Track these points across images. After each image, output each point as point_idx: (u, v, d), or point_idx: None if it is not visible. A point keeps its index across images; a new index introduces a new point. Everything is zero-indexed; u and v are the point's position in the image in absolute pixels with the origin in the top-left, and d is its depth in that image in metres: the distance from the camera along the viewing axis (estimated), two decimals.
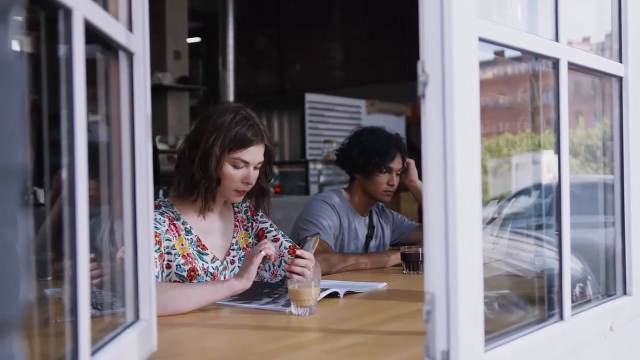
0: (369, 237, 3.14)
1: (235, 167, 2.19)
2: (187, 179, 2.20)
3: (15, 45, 0.60)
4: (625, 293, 1.81)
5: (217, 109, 2.24)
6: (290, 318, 1.84)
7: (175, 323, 1.80)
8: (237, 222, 2.38)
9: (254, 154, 2.21)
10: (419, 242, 2.97)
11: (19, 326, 0.61)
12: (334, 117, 8.28)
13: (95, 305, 1.36)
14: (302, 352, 1.55)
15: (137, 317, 1.36)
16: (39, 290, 1.61)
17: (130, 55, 1.34)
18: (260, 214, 2.43)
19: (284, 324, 1.79)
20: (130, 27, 1.34)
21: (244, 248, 2.36)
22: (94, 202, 1.21)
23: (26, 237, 0.63)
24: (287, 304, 1.92)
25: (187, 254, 2.18)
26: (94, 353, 1.08)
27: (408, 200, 6.67)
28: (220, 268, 2.26)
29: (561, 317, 1.51)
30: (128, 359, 1.26)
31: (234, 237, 2.34)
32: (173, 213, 2.22)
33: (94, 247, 1.17)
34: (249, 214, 2.41)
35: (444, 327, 1.16)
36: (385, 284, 2.37)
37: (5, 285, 0.58)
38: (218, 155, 2.15)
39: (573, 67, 1.57)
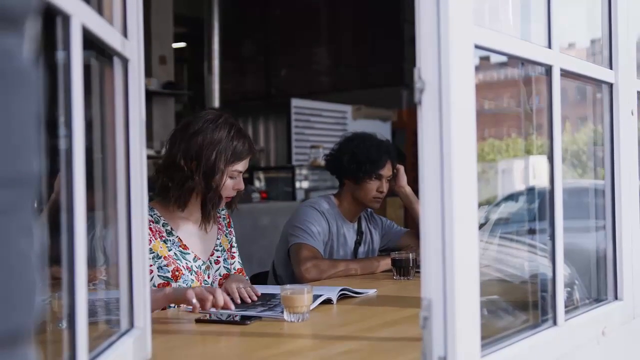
0: (357, 243, 3.14)
1: (231, 177, 2.30)
2: (187, 191, 2.25)
3: (31, 54, 0.60)
4: (616, 298, 1.82)
5: (206, 122, 2.27)
6: (283, 325, 1.83)
7: (170, 331, 1.79)
8: (220, 225, 2.46)
9: (247, 163, 2.34)
10: (408, 248, 2.97)
11: (34, 334, 0.61)
12: (320, 122, 8.27)
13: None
14: (298, 359, 1.54)
15: (131, 324, 1.35)
16: None
17: (125, 61, 1.33)
18: (231, 228, 2.53)
19: (277, 330, 1.79)
20: (125, 33, 1.33)
21: (227, 250, 2.45)
22: (86, 207, 1.20)
23: (40, 244, 0.63)
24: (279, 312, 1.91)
25: (169, 255, 2.24)
26: None
27: (394, 205, 6.68)
28: (204, 267, 2.33)
29: (555, 323, 1.52)
30: None
31: (217, 239, 2.42)
32: (152, 216, 2.27)
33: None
34: (226, 222, 2.51)
35: (441, 333, 1.16)
36: (375, 290, 2.37)
37: (21, 294, 0.58)
38: (223, 170, 2.25)
39: (565, 73, 1.59)
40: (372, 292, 2.36)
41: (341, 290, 2.19)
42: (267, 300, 2.13)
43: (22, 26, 0.58)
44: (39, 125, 0.61)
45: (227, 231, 2.49)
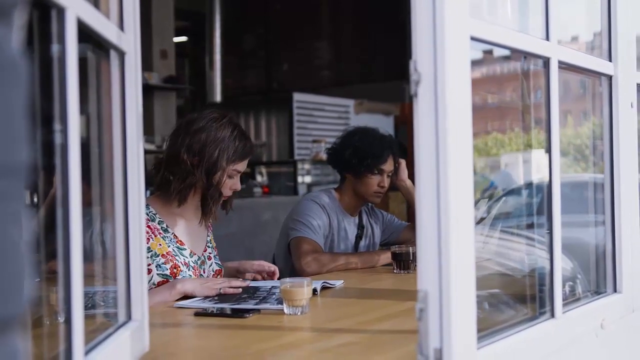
0: (358, 237, 3.14)
1: (230, 177, 2.33)
2: (188, 186, 2.27)
3: (19, 44, 0.60)
4: (615, 291, 1.82)
5: (210, 121, 2.31)
6: (282, 318, 1.84)
7: (167, 323, 1.80)
8: (209, 224, 2.50)
9: (246, 164, 2.38)
10: (409, 242, 2.98)
11: (23, 323, 0.61)
12: (322, 116, 8.27)
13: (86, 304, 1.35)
14: (296, 352, 1.54)
15: (129, 317, 1.36)
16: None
17: (121, 54, 1.33)
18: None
19: (276, 323, 1.79)
20: (121, 26, 1.33)
21: (215, 247, 2.49)
22: (84, 202, 1.20)
23: (29, 234, 0.63)
24: (280, 302, 1.91)
25: (167, 253, 2.27)
26: (87, 353, 1.08)
27: (397, 199, 6.68)
28: (199, 262, 2.37)
29: (552, 315, 1.52)
30: (121, 359, 1.25)
31: (208, 236, 2.47)
32: (147, 214, 2.28)
33: (84, 248, 1.17)
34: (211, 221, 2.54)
35: (436, 325, 1.17)
36: (342, 281, 2.40)
37: (10, 282, 0.58)
38: (224, 167, 2.28)
39: (563, 65, 1.58)
40: (339, 283, 2.39)
41: (322, 285, 2.24)
42: (253, 293, 2.13)
43: (9, 17, 0.58)
44: (27, 116, 0.62)
45: (211, 230, 2.54)
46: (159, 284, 2.20)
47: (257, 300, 2.02)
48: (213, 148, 2.26)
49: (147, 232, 2.22)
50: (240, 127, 2.37)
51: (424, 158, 1.17)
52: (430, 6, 1.16)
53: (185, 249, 2.33)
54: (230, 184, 2.33)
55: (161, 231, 2.29)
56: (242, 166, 2.35)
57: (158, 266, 2.23)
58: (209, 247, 2.45)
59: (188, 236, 2.36)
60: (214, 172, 2.27)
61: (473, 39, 1.24)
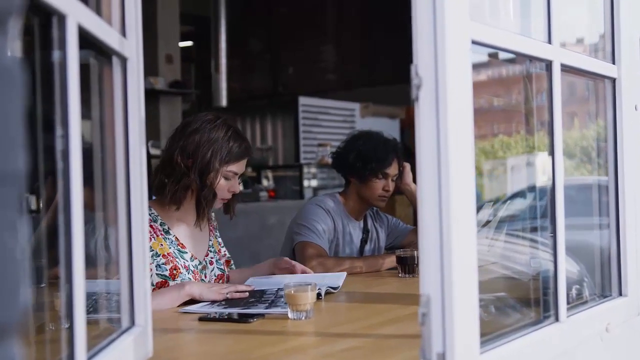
0: (363, 241, 3.13)
1: (226, 178, 2.33)
2: (183, 188, 2.28)
3: (15, 52, 0.61)
4: (620, 294, 1.81)
5: (204, 122, 2.32)
6: (287, 322, 1.84)
7: (171, 329, 1.80)
8: (211, 228, 2.51)
9: (243, 165, 2.37)
10: (414, 245, 2.97)
11: (19, 330, 0.61)
12: (328, 120, 8.27)
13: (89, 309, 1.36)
14: (299, 356, 1.54)
15: (132, 322, 1.36)
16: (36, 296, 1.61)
17: (123, 60, 1.34)
18: (217, 231, 2.56)
19: (280, 328, 1.79)
20: (123, 32, 1.34)
21: (217, 252, 2.49)
22: (88, 208, 1.21)
23: (25, 242, 0.63)
24: (286, 306, 1.91)
25: (168, 254, 2.27)
26: (90, 359, 1.08)
27: (403, 203, 6.67)
28: (200, 267, 2.37)
29: (557, 319, 1.51)
30: None
31: (210, 240, 2.47)
32: (150, 215, 2.29)
33: (88, 254, 1.17)
34: (215, 224, 2.55)
35: (439, 330, 1.16)
36: (344, 273, 2.43)
37: (5, 289, 0.58)
38: (217, 168, 2.28)
39: (566, 68, 1.58)
40: (342, 276, 2.41)
41: (327, 290, 2.22)
42: (260, 297, 2.13)
43: (5, 25, 0.58)
44: (24, 123, 0.62)
45: (216, 234, 2.54)
46: (158, 285, 2.21)
47: (267, 304, 2.02)
48: (206, 149, 2.27)
49: (149, 232, 2.23)
50: (236, 129, 2.36)
51: (426, 162, 1.17)
52: (431, 10, 1.16)
53: (187, 253, 2.33)
54: (228, 186, 2.33)
55: (163, 232, 2.30)
56: (237, 167, 2.33)
57: (158, 266, 2.23)
58: (211, 251, 2.45)
59: (190, 240, 2.37)
60: (207, 173, 2.27)
61: (474, 42, 1.24)
